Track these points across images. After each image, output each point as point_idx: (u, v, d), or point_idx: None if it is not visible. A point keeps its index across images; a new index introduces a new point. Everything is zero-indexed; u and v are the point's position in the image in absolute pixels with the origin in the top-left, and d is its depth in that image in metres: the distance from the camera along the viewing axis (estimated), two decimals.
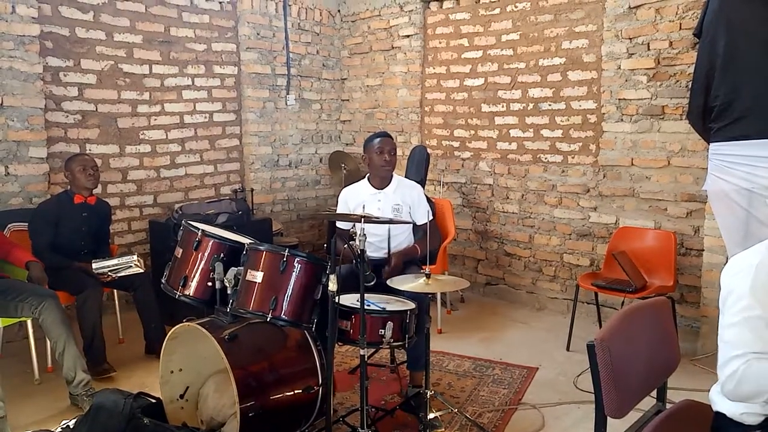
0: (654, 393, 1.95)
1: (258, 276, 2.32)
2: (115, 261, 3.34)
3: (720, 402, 1.59)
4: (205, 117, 4.64)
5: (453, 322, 4.18)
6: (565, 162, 4.22)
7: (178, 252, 2.57)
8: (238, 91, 4.83)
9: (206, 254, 2.49)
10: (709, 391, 1.67)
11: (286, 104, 5.08)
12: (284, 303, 2.30)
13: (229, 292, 2.39)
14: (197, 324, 2.34)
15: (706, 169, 3.37)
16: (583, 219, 4.16)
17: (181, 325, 2.38)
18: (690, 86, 3.42)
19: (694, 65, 3.36)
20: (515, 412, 2.89)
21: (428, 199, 3.69)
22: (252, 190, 4.71)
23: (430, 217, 3.21)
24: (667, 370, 1.92)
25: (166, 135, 4.43)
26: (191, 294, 2.50)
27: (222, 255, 2.47)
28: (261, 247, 2.38)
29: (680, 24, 3.58)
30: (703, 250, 3.54)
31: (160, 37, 4.31)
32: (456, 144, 4.82)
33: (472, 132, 4.70)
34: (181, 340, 2.48)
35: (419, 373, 2.79)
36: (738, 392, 1.38)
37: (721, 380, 1.41)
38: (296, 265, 2.31)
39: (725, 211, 3.34)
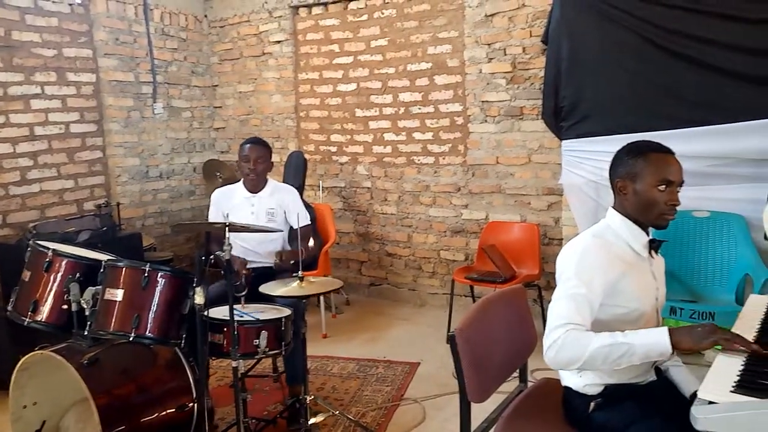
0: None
1: (118, 294, 2.18)
2: None
3: (566, 377, 1.73)
4: (61, 128, 4.28)
5: (338, 325, 4.19)
6: (436, 163, 4.39)
7: (26, 275, 2.35)
8: (98, 100, 4.51)
9: (59, 275, 2.30)
10: None
11: (154, 113, 4.83)
12: (149, 320, 2.18)
13: (87, 313, 2.23)
14: (51, 351, 2.16)
15: (561, 164, 3.66)
16: (456, 216, 4.36)
17: (31, 354, 2.19)
18: (542, 88, 3.71)
19: (544, 69, 3.64)
20: (398, 407, 2.96)
21: (307, 205, 3.69)
22: (119, 204, 4.42)
23: (308, 221, 3.20)
24: (526, 352, 2.05)
25: (14, 148, 4.02)
26: (43, 319, 2.29)
27: (78, 275, 2.29)
28: (120, 264, 2.24)
29: (530, 31, 3.86)
30: (562, 239, 3.84)
31: None
32: (333, 149, 4.85)
33: (349, 137, 4.76)
34: (33, 371, 2.28)
35: (298, 387, 2.74)
36: (558, 359, 1.49)
37: (545, 348, 1.52)
38: (160, 279, 2.20)
39: (578, 203, 3.65)
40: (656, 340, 1.43)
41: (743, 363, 1.36)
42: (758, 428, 1.14)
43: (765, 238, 2.84)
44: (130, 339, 2.17)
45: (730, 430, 1.15)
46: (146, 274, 2.19)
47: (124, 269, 2.22)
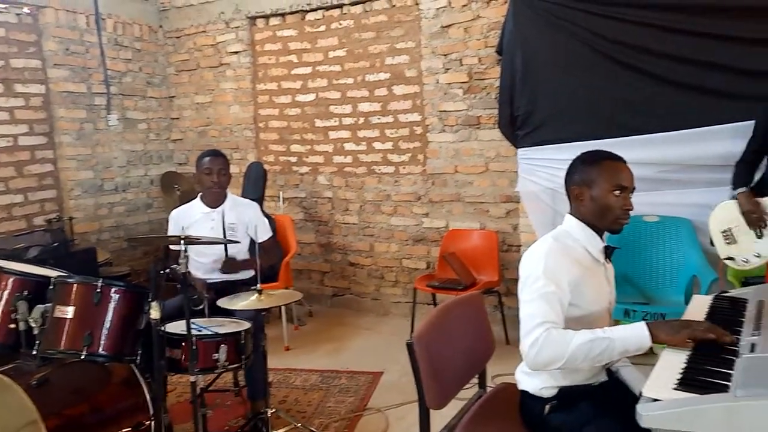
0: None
1: (69, 311, 2.12)
2: None
3: (523, 380, 1.76)
4: (8, 141, 4.15)
5: (301, 337, 4.16)
6: (396, 172, 4.42)
7: None
8: (48, 112, 4.38)
9: (6, 293, 2.22)
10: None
11: (108, 125, 4.72)
12: (102, 337, 2.13)
13: (35, 332, 2.16)
14: None
15: (518, 172, 3.73)
16: (417, 225, 4.39)
17: None
18: (498, 98, 3.78)
19: (499, 79, 3.71)
20: (361, 418, 2.95)
21: (268, 216, 3.66)
22: (71, 218, 4.30)
23: (269, 234, 3.19)
24: (484, 358, 2.08)
25: None
26: None
27: (26, 292, 2.22)
28: (70, 280, 2.18)
29: (486, 42, 3.93)
30: (521, 245, 3.91)
31: None
32: (293, 159, 4.83)
33: (309, 147, 4.75)
34: None
35: (259, 400, 2.71)
36: (539, 359, 1.50)
37: (524, 350, 1.53)
38: (113, 295, 2.15)
39: (535, 209, 3.72)
40: (635, 333, 1.49)
41: (685, 361, 1.41)
42: (699, 423, 1.18)
43: (711, 244, 2.95)
44: (82, 357, 2.11)
45: (672, 426, 1.19)
46: (99, 290, 2.13)
47: (74, 285, 2.16)
